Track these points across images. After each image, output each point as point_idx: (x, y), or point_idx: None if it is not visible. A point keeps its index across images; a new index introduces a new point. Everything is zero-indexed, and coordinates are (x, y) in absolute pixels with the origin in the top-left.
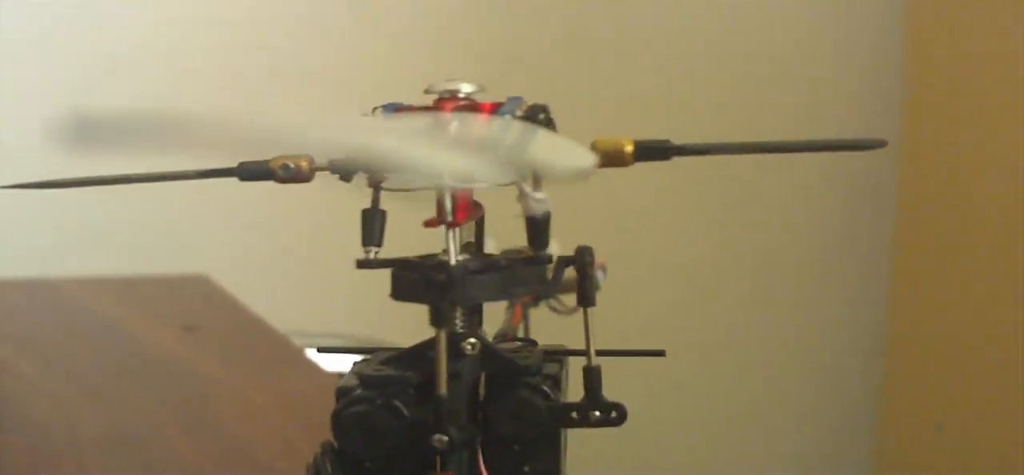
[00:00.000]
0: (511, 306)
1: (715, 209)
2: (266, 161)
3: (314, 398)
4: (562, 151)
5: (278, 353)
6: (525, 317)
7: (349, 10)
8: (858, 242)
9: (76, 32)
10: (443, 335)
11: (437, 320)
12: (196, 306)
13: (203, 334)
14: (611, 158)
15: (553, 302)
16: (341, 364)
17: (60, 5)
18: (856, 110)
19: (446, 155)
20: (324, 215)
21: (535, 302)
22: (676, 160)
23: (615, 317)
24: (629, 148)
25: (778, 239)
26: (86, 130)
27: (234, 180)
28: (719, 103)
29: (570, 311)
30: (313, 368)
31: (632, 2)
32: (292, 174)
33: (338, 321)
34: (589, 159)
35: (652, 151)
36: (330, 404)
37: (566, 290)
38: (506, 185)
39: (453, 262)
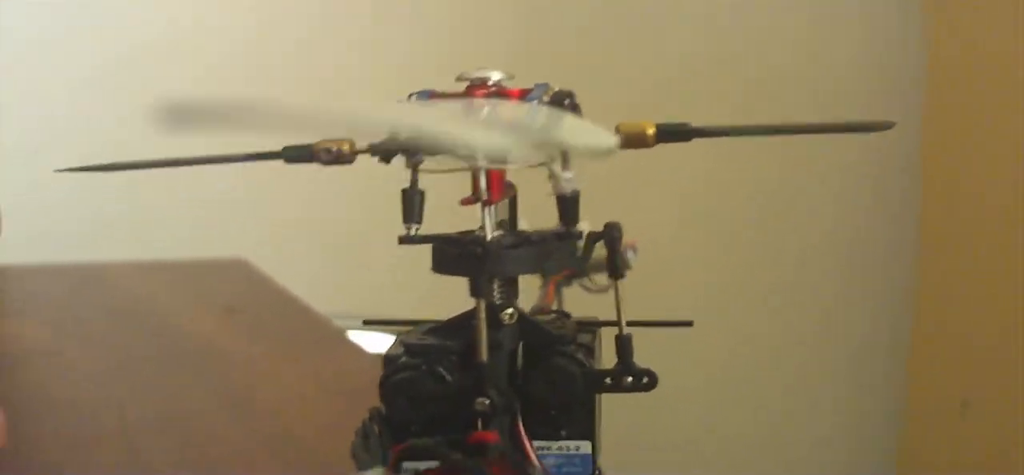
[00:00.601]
0: (544, 284)
1: (741, 195)
2: (309, 145)
3: (354, 378)
4: (586, 133)
5: (319, 334)
6: (558, 295)
7: (372, 3)
8: (885, 222)
9: (80, 32)
10: (483, 304)
11: (476, 291)
12: (236, 289)
13: (244, 316)
14: (634, 140)
15: (585, 281)
16: (383, 343)
17: (62, 5)
18: (879, 102)
19: (481, 135)
20: (361, 199)
21: (568, 281)
22: (707, 152)
23: (645, 296)
24: (651, 131)
25: (806, 220)
26: (181, 115)
27: (273, 166)
28: (738, 93)
29: (602, 289)
30: (354, 348)
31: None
32: (334, 157)
33: (377, 302)
34: (611, 140)
35: (673, 133)
36: (370, 382)
37: (597, 269)
38: (537, 165)
39: (489, 237)
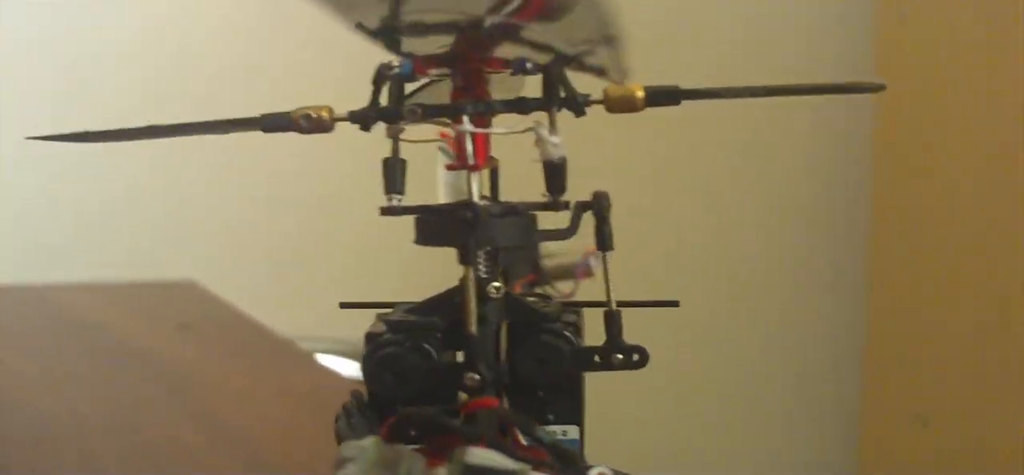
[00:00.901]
0: (510, 290)
1: (696, 201)
2: (288, 113)
3: (306, 386)
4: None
5: (269, 346)
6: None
7: None
8: (836, 237)
9: (58, 37)
10: (471, 273)
11: (465, 257)
12: (187, 308)
13: (196, 332)
14: (622, 104)
15: (549, 288)
16: (331, 361)
17: (39, 12)
18: (829, 109)
19: None
20: (312, 219)
21: (531, 287)
22: (662, 159)
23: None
24: (640, 94)
25: (755, 235)
26: None
27: (221, 188)
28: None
29: (566, 297)
30: (307, 361)
31: None
32: (314, 124)
33: (326, 320)
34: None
35: (662, 96)
36: (322, 391)
37: (560, 276)
38: (525, 131)
39: (477, 202)
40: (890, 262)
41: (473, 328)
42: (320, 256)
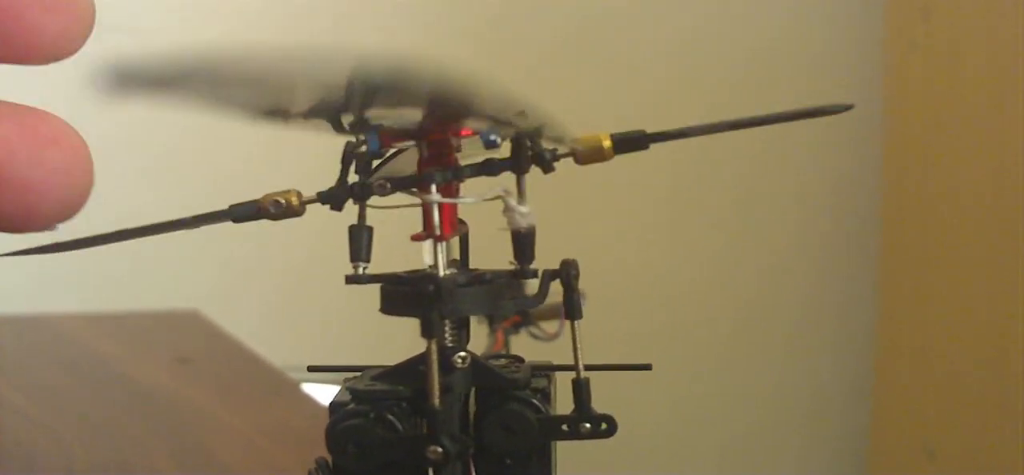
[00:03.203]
0: (492, 332)
1: (698, 236)
2: (256, 201)
3: (305, 427)
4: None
5: (270, 384)
6: (506, 343)
7: (334, 26)
8: (843, 269)
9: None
10: (434, 345)
11: (427, 331)
12: (188, 340)
13: (195, 366)
14: (591, 155)
15: (533, 329)
16: (332, 392)
17: None
18: (835, 125)
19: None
20: (313, 247)
21: (516, 328)
22: (659, 180)
23: (598, 337)
24: (607, 143)
25: (762, 267)
26: (124, 78)
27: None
28: (703, 105)
29: (550, 337)
30: (305, 398)
31: (607, 24)
32: (283, 210)
33: (328, 350)
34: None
35: (629, 142)
36: (320, 432)
37: (546, 316)
38: (492, 199)
39: (442, 274)
40: (898, 294)
41: (436, 401)
42: (327, 283)
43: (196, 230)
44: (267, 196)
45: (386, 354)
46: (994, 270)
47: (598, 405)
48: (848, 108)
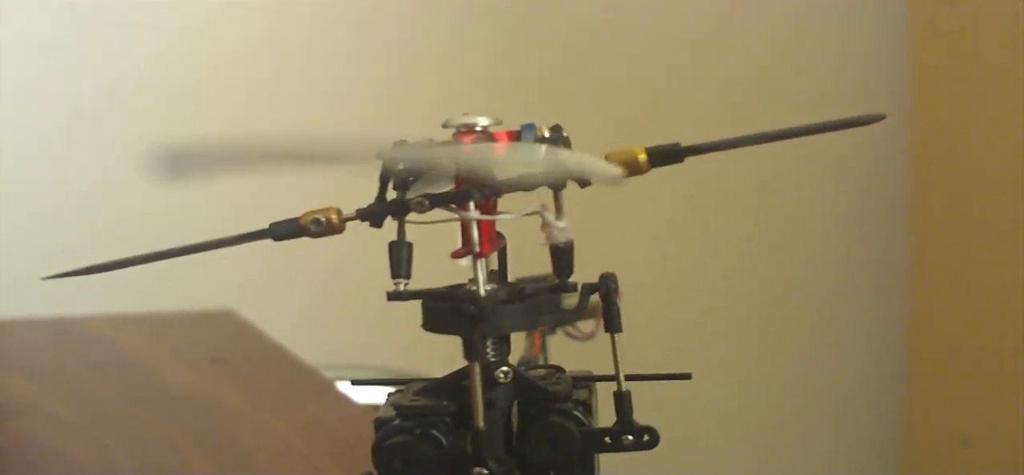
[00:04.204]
0: (530, 334)
1: (732, 234)
2: (296, 219)
3: (343, 429)
4: (590, 161)
5: (307, 385)
6: (544, 344)
7: (357, 31)
8: (876, 260)
9: (58, 76)
10: (478, 367)
11: (470, 353)
12: (223, 340)
13: (231, 367)
14: (627, 168)
15: (570, 329)
16: (375, 396)
17: (61, 32)
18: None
19: (488, 162)
20: (351, 246)
21: (552, 329)
22: (692, 184)
23: (635, 346)
24: (643, 156)
25: (795, 260)
26: (177, 162)
27: (258, 213)
28: (724, 116)
29: (586, 337)
30: (342, 399)
31: (628, 26)
32: (323, 228)
33: (368, 352)
34: (615, 169)
35: (664, 155)
36: (359, 434)
37: (583, 315)
38: (530, 214)
39: (482, 292)
40: (931, 284)
41: (480, 422)
42: (364, 282)
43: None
44: (307, 214)
45: (424, 355)
46: None
47: (639, 415)
48: (880, 118)
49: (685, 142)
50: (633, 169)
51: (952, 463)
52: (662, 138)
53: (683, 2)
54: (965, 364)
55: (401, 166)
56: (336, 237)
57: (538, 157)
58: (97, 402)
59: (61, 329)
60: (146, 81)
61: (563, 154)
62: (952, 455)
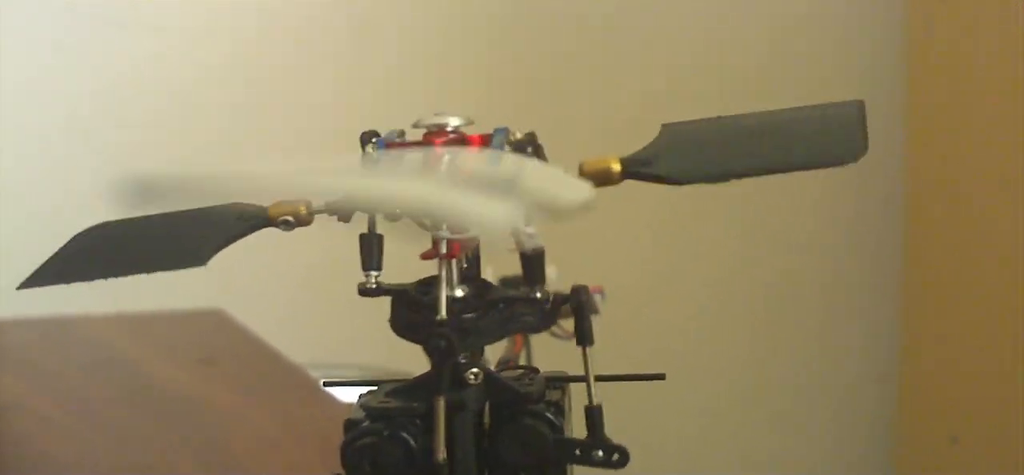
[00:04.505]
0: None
1: (720, 228)
2: (265, 211)
3: (331, 428)
4: (558, 185)
5: (295, 384)
6: (526, 343)
7: (346, 34)
8: (867, 257)
9: (52, 78)
10: (442, 402)
11: (438, 386)
12: (211, 340)
13: (219, 367)
14: (599, 178)
15: (554, 328)
16: (351, 396)
17: (61, 32)
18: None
19: (442, 204)
20: (338, 244)
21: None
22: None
23: (616, 341)
24: (616, 167)
25: (786, 256)
26: (143, 192)
27: None
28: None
29: (569, 336)
30: (330, 398)
31: (623, 26)
32: (293, 225)
33: (356, 351)
34: (585, 190)
35: (639, 167)
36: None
37: (565, 314)
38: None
39: (455, 294)
40: (922, 283)
41: (442, 455)
42: (351, 282)
43: None
44: (275, 207)
45: (409, 354)
46: (1018, 257)
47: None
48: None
49: None
50: (604, 180)
51: (941, 460)
52: (638, 145)
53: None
54: (955, 362)
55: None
56: (322, 236)
57: (499, 174)
58: (86, 401)
59: (50, 328)
60: (146, 81)
61: (528, 170)
62: (942, 453)
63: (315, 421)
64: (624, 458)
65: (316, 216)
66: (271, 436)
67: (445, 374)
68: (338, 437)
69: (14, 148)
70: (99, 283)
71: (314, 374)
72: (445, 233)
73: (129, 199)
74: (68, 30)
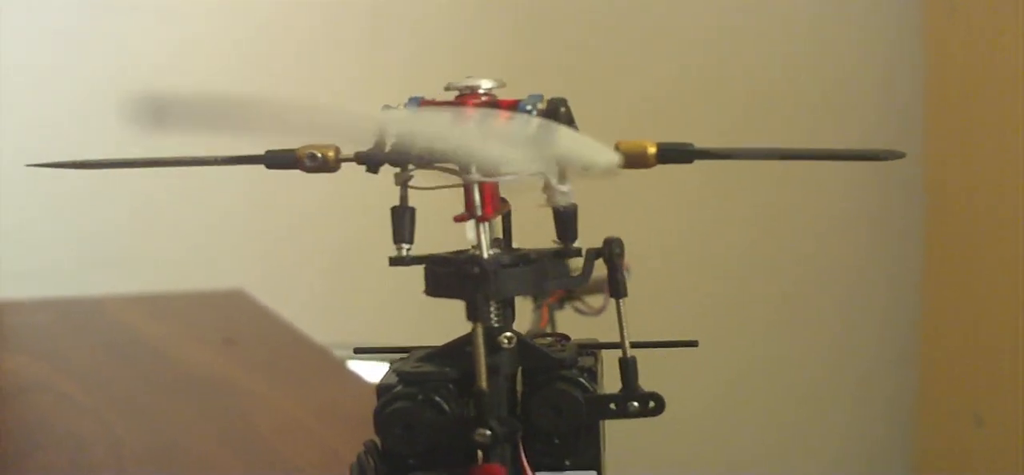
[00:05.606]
0: (537, 308)
1: (747, 208)
2: (293, 150)
3: (353, 407)
4: (585, 146)
5: (318, 363)
6: (552, 319)
7: (368, 16)
8: (890, 237)
9: (73, 60)
10: (480, 328)
11: (473, 314)
12: (233, 320)
13: (242, 347)
14: (633, 160)
15: (578, 304)
16: (383, 372)
17: (51, 33)
18: (876, 111)
19: (475, 145)
20: (361, 226)
21: (560, 304)
22: (706, 164)
23: (645, 316)
24: (652, 150)
25: (811, 236)
26: (162, 112)
27: (267, 193)
28: (739, 106)
29: (596, 312)
30: (353, 377)
31: (651, 5)
32: (319, 164)
33: (377, 332)
34: (613, 157)
35: (674, 154)
36: (370, 411)
37: (591, 290)
38: (533, 175)
39: (485, 255)
40: (944, 263)
41: (483, 383)
42: (373, 261)
43: (242, 209)
44: (303, 147)
45: (432, 332)
46: None
47: (647, 382)
48: (900, 156)
49: (696, 135)
50: (639, 162)
51: (965, 442)
52: (675, 129)
53: None
54: (978, 343)
55: (392, 142)
56: (346, 217)
57: (529, 132)
58: (107, 382)
59: (73, 310)
60: (156, 68)
61: (559, 132)
62: (966, 433)
63: (338, 400)
64: (660, 405)
65: (343, 164)
66: (294, 415)
67: (481, 300)
68: (360, 415)
69: (25, 133)
70: (118, 263)
71: (338, 354)
72: (476, 176)
73: (143, 117)
74: (74, 18)
